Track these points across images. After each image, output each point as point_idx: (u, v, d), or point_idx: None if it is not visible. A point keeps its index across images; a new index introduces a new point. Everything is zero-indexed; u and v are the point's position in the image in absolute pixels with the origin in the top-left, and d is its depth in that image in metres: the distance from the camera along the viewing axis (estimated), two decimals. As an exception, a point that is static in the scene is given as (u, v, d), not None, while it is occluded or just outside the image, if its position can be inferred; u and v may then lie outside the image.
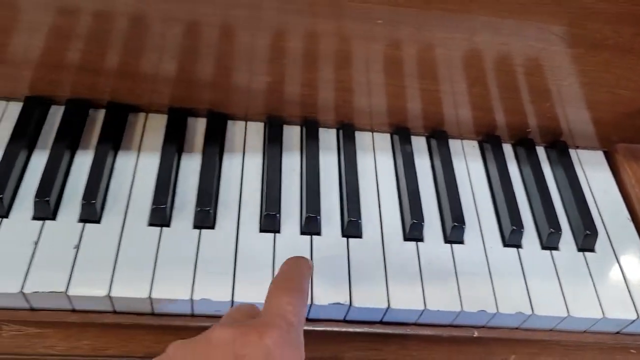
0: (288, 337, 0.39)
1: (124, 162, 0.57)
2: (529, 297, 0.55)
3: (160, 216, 0.53)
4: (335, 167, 0.61)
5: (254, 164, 0.60)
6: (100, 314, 0.51)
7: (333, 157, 0.62)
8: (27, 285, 0.48)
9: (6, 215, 0.52)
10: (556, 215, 0.60)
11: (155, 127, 0.61)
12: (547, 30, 0.54)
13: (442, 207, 0.59)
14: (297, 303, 0.42)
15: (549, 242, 0.59)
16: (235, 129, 0.63)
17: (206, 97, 0.62)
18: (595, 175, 0.66)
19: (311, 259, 0.54)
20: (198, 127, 0.62)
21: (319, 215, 0.55)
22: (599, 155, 0.68)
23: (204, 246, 0.53)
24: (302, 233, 0.55)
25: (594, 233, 0.59)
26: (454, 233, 0.57)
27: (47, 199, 0.52)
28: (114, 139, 0.58)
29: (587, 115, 0.64)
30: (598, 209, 0.63)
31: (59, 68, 0.58)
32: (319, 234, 0.56)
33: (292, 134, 0.63)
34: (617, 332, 0.57)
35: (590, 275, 0.57)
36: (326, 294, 0.52)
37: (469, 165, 0.64)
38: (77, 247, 0.51)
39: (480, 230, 0.59)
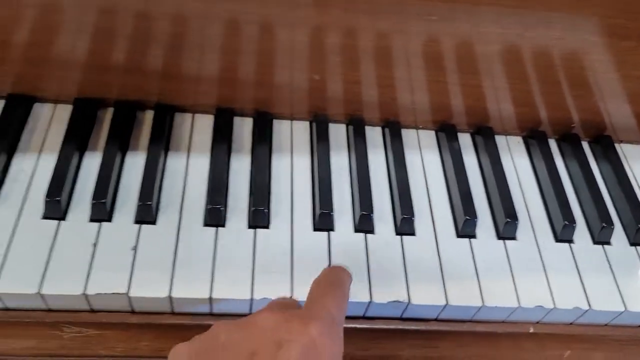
0: (330, 330, 0.40)
1: (174, 163, 0.57)
2: (585, 292, 0.54)
3: (216, 216, 0.53)
4: (383, 165, 0.61)
5: (303, 163, 0.60)
6: (159, 315, 0.51)
7: (380, 155, 0.62)
8: (90, 287, 0.48)
9: (64, 218, 0.52)
10: (607, 210, 0.60)
11: (202, 127, 0.61)
12: (600, 24, 0.54)
13: (493, 204, 0.59)
14: (339, 301, 0.43)
15: (601, 237, 0.58)
16: (281, 128, 0.63)
17: (251, 97, 0.62)
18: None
19: (366, 256, 0.54)
20: (245, 127, 0.62)
21: (372, 213, 0.55)
22: (643, 149, 0.69)
23: (260, 245, 0.53)
24: (356, 231, 0.55)
25: (646, 227, 0.59)
26: (506, 229, 0.57)
27: (104, 200, 0.51)
28: (163, 141, 0.58)
29: (632, 109, 0.64)
30: (646, 202, 0.63)
31: (106, 70, 0.58)
32: (372, 232, 0.56)
33: (338, 133, 0.63)
34: (673, 327, 0.57)
35: (645, 269, 0.57)
36: (384, 292, 0.51)
37: (515, 161, 0.64)
38: (135, 248, 0.51)
39: (532, 226, 0.59)
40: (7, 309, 0.49)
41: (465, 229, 0.56)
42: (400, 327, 0.53)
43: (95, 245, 0.50)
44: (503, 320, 0.55)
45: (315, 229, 0.55)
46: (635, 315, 0.55)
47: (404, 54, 0.57)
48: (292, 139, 0.62)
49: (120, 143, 0.57)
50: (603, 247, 0.58)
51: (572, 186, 0.64)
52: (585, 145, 0.67)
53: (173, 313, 0.51)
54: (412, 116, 0.64)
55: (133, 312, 0.50)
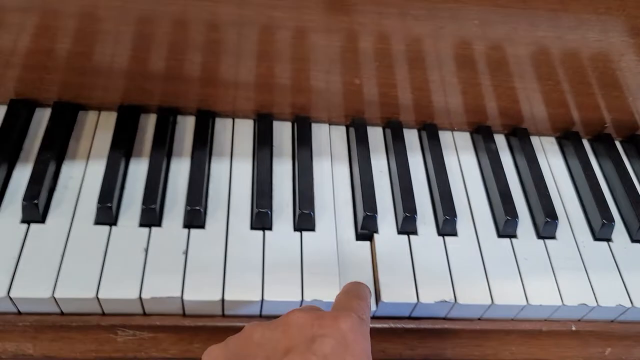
0: (360, 327, 0.41)
1: (218, 168, 0.58)
2: (626, 290, 0.55)
3: (263, 220, 0.54)
4: (421, 167, 0.62)
5: (342, 166, 0.61)
6: (210, 318, 0.52)
7: (418, 157, 0.63)
8: (144, 291, 0.49)
9: (115, 223, 0.53)
10: (644, 208, 0.61)
11: (243, 132, 0.62)
12: (637, 25, 0.55)
13: (532, 204, 0.60)
14: (365, 307, 0.45)
15: (639, 235, 0.59)
16: (320, 132, 0.63)
17: (289, 101, 0.63)
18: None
19: (410, 258, 0.55)
20: (284, 131, 0.63)
21: (416, 214, 0.56)
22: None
23: (307, 248, 0.54)
24: (400, 233, 0.56)
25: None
26: (546, 228, 0.58)
27: (154, 206, 0.52)
28: (207, 146, 0.59)
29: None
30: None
31: (147, 77, 0.59)
32: (415, 233, 0.57)
33: (374, 135, 0.64)
34: None
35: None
36: (430, 291, 0.52)
37: (550, 161, 0.65)
38: (186, 252, 0.52)
39: (570, 226, 0.60)
40: (62, 314, 0.50)
41: (507, 229, 0.57)
42: (445, 326, 0.54)
43: (146, 250, 0.51)
44: (545, 319, 0.56)
45: (359, 232, 0.56)
46: (676, 312, 0.56)
47: (444, 57, 0.58)
48: (330, 143, 0.63)
49: (165, 149, 0.58)
50: (641, 245, 0.60)
51: (607, 185, 0.64)
52: (617, 144, 0.68)
53: (224, 315, 0.52)
54: (447, 118, 0.65)
55: (184, 315, 0.52)
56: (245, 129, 0.62)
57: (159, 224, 0.53)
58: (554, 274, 0.55)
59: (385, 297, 0.51)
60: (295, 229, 0.55)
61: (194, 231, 0.53)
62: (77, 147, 0.57)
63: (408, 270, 0.54)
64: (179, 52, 0.57)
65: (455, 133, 0.66)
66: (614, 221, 0.59)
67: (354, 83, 0.60)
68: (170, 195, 0.56)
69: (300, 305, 0.51)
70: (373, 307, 0.53)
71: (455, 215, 0.57)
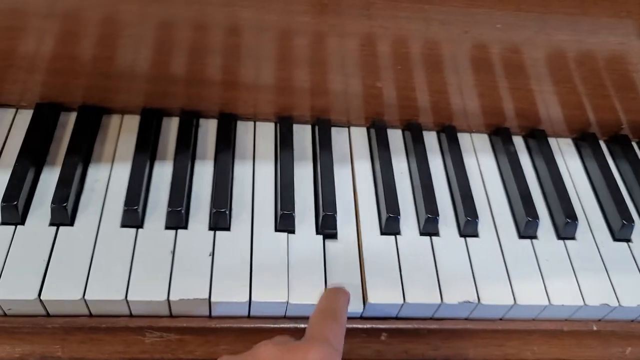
0: (332, 358, 0.41)
1: (241, 170, 0.59)
2: (647, 290, 0.56)
3: (288, 223, 0.55)
4: (441, 169, 0.63)
5: (364, 168, 0.61)
6: (236, 319, 0.52)
7: (437, 159, 0.64)
8: (172, 293, 0.49)
9: (141, 226, 0.53)
10: (663, 209, 0.61)
11: (265, 135, 0.62)
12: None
13: (551, 205, 0.61)
14: (337, 330, 0.45)
15: (658, 235, 0.60)
16: (339, 134, 0.64)
17: (310, 104, 0.64)
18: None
19: (433, 259, 0.55)
20: (305, 134, 0.64)
21: (438, 216, 0.57)
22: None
23: (329, 252, 0.54)
24: (422, 234, 0.57)
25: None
26: (567, 229, 0.58)
27: (180, 208, 0.53)
28: (230, 149, 0.59)
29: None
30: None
31: (169, 80, 0.60)
32: (437, 234, 0.57)
33: (394, 138, 0.64)
34: None
35: None
36: (454, 293, 0.53)
37: (568, 162, 0.66)
38: (212, 254, 0.52)
39: (589, 226, 0.60)
40: (91, 315, 0.51)
41: (528, 230, 0.58)
42: (468, 326, 0.55)
43: (173, 252, 0.52)
44: (567, 319, 0.56)
45: (383, 233, 0.56)
46: (695, 311, 0.56)
47: (465, 61, 0.58)
48: (351, 145, 0.64)
49: (189, 151, 0.58)
50: (661, 245, 0.60)
51: (625, 186, 0.65)
52: (634, 145, 0.69)
53: (249, 317, 0.53)
54: (465, 120, 0.66)
55: (211, 316, 0.52)
56: (267, 131, 0.63)
57: (185, 227, 0.54)
58: (574, 274, 0.56)
59: (409, 298, 0.52)
60: (318, 233, 0.55)
61: (219, 233, 0.54)
62: (102, 150, 0.58)
63: (431, 272, 0.54)
64: (200, 56, 0.58)
65: (474, 135, 0.66)
66: (633, 221, 0.59)
67: (376, 86, 0.61)
68: (195, 197, 0.56)
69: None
70: (394, 311, 0.53)
71: (476, 217, 0.57)
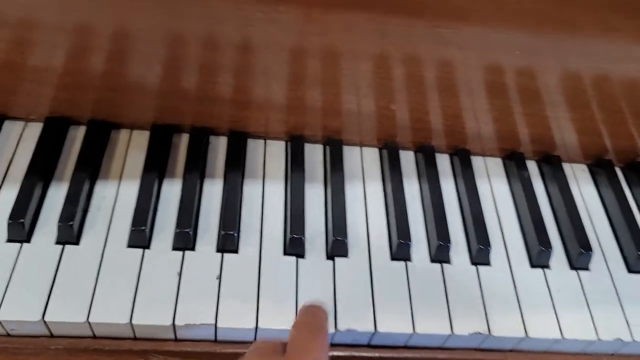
0: None
1: (251, 190, 0.58)
2: (662, 325, 0.55)
3: (297, 247, 0.54)
4: (453, 193, 0.62)
5: (375, 190, 0.60)
6: (243, 344, 0.51)
7: (450, 182, 0.63)
8: (178, 318, 0.48)
9: (148, 246, 0.52)
10: (680, 240, 0.60)
11: (275, 154, 0.62)
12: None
13: (564, 234, 0.60)
14: (320, 344, 0.42)
15: (674, 268, 0.59)
16: (351, 155, 0.63)
17: (321, 124, 0.63)
18: None
19: (444, 287, 0.54)
20: (316, 153, 0.63)
21: (450, 243, 0.56)
22: None
23: (339, 277, 0.53)
24: (433, 261, 0.56)
25: None
26: (580, 260, 0.57)
27: (188, 230, 0.52)
28: (240, 168, 0.58)
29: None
30: None
31: (179, 97, 0.59)
32: (448, 261, 0.56)
33: (406, 159, 0.63)
34: None
35: None
36: (464, 323, 0.52)
37: (582, 189, 0.64)
38: (219, 277, 0.52)
39: (604, 256, 0.59)
40: (94, 337, 0.50)
41: (540, 259, 0.57)
42: (477, 357, 0.54)
43: (180, 274, 0.51)
44: (578, 352, 0.55)
45: (393, 259, 0.55)
46: None
47: (480, 85, 0.58)
48: (362, 166, 0.62)
49: (198, 170, 0.57)
50: (676, 278, 0.59)
51: (640, 215, 0.64)
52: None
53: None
54: (479, 144, 0.65)
55: (216, 341, 0.51)
56: (277, 150, 0.62)
57: (192, 248, 0.53)
58: (588, 306, 0.55)
59: (419, 328, 0.51)
60: (328, 257, 0.54)
61: (227, 256, 0.53)
62: (109, 167, 0.57)
63: (442, 300, 0.53)
64: (212, 73, 0.57)
65: (487, 159, 0.65)
66: (649, 253, 0.58)
67: (389, 108, 0.60)
68: (204, 218, 0.55)
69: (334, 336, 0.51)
70: (403, 339, 0.52)
71: (489, 245, 0.56)
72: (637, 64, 0.55)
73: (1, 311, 0.46)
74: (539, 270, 0.57)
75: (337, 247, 0.54)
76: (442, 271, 0.55)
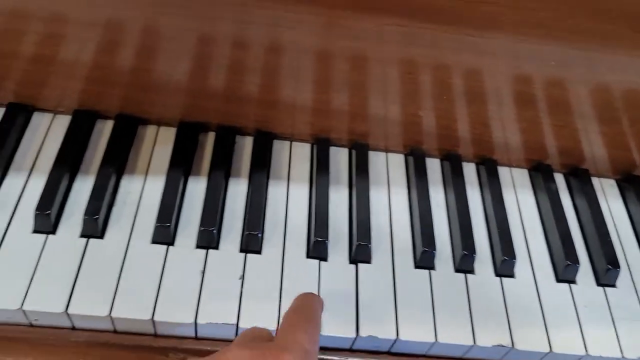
0: None
1: (275, 191, 0.58)
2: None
3: (320, 250, 0.53)
4: (478, 203, 0.61)
5: (400, 197, 0.60)
6: (262, 345, 0.51)
7: (475, 192, 0.62)
8: (200, 316, 0.48)
9: (172, 243, 0.52)
10: None
11: (301, 155, 0.61)
12: None
13: (592, 249, 0.59)
14: (312, 332, 0.42)
15: (702, 288, 0.58)
16: (377, 160, 0.62)
17: (347, 128, 0.62)
18: None
19: (467, 298, 0.53)
20: (341, 157, 0.62)
21: (475, 253, 0.55)
22: None
23: (362, 282, 0.53)
24: (457, 271, 0.55)
25: None
26: (608, 276, 0.56)
27: (213, 228, 0.52)
28: (265, 169, 0.58)
29: None
30: None
31: (206, 95, 0.59)
32: (472, 272, 0.55)
33: (432, 167, 0.63)
34: None
35: None
36: (487, 335, 0.51)
37: (610, 205, 0.63)
38: (242, 277, 0.51)
39: (630, 273, 0.58)
40: (115, 332, 0.50)
41: (566, 274, 0.56)
42: (499, 370, 0.53)
43: (203, 273, 0.51)
44: (603, 370, 0.54)
45: (417, 267, 0.55)
46: None
47: (512, 95, 0.57)
48: (388, 172, 0.62)
49: (223, 169, 0.57)
50: None
51: (671, 232, 0.63)
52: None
53: (275, 344, 0.51)
54: (506, 154, 0.64)
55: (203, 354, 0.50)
56: (303, 152, 0.62)
57: (216, 247, 0.53)
58: (613, 324, 0.54)
59: (441, 338, 0.50)
60: (351, 262, 0.54)
61: (250, 256, 0.53)
62: (136, 162, 0.57)
63: (465, 311, 0.52)
64: (239, 72, 0.57)
65: (513, 169, 0.64)
66: (680, 272, 0.57)
67: (417, 115, 0.59)
68: (228, 217, 0.55)
69: (353, 341, 0.50)
70: (424, 349, 0.51)
71: (514, 257, 0.55)
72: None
73: (26, 301, 0.46)
74: (565, 285, 0.56)
75: (360, 252, 0.54)
76: (466, 281, 0.55)
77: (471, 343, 0.51)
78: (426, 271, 0.54)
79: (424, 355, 0.53)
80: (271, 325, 0.49)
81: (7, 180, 0.54)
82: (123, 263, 0.50)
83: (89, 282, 0.49)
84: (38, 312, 0.47)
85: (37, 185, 0.53)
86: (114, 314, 0.47)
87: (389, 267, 0.54)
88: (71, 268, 0.49)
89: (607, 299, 0.56)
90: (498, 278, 0.55)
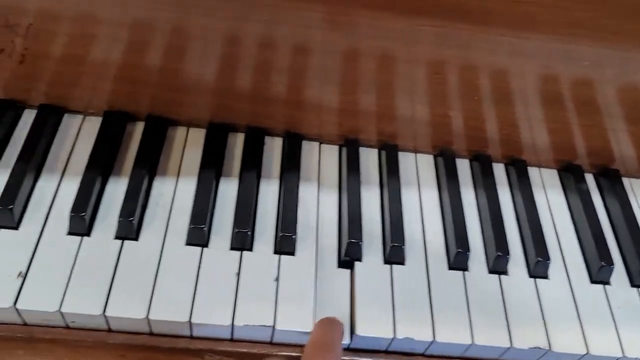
0: None
1: (306, 192, 0.57)
2: None
3: (355, 251, 0.53)
4: (509, 204, 0.61)
5: (431, 198, 0.60)
6: (298, 347, 0.50)
7: (506, 193, 0.61)
8: (237, 319, 0.48)
9: (206, 245, 0.52)
10: None
11: (330, 156, 0.61)
12: None
13: (625, 249, 0.58)
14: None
15: None
16: (406, 161, 0.62)
17: (376, 129, 0.62)
18: None
19: (502, 299, 0.53)
20: (370, 157, 0.62)
21: (509, 254, 0.55)
22: None
23: (397, 283, 0.52)
24: (491, 272, 0.55)
25: None
26: (642, 277, 0.56)
27: (247, 230, 0.52)
28: (297, 170, 0.58)
29: None
30: None
31: (234, 96, 0.59)
32: (506, 273, 0.55)
33: (462, 168, 0.62)
34: None
35: None
36: (523, 337, 0.51)
37: (642, 205, 0.64)
38: (277, 279, 0.51)
39: (663, 275, 0.58)
40: (152, 334, 0.50)
41: (601, 275, 0.55)
42: (535, 372, 0.53)
43: (238, 274, 0.51)
44: (638, 371, 0.54)
45: (451, 268, 0.55)
46: None
47: (543, 95, 0.57)
48: (417, 172, 0.62)
49: (255, 170, 0.57)
50: None
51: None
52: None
53: (310, 345, 0.51)
54: (535, 155, 0.63)
55: (272, 343, 0.51)
56: (332, 153, 0.61)
57: (250, 249, 0.53)
58: (649, 325, 0.54)
59: (478, 340, 0.50)
60: (385, 262, 0.54)
61: (284, 258, 0.52)
62: (167, 163, 0.57)
63: (500, 313, 0.52)
64: (267, 73, 0.57)
65: (542, 170, 0.64)
66: None
67: (446, 115, 0.59)
68: (260, 218, 0.55)
69: (390, 342, 0.50)
70: (459, 350, 0.51)
71: (548, 258, 0.55)
72: None
73: (64, 304, 0.46)
74: (599, 286, 0.56)
75: (394, 254, 0.53)
76: (500, 283, 0.54)
77: (508, 345, 0.50)
78: (460, 272, 0.54)
79: (459, 357, 0.53)
80: (306, 327, 0.49)
81: (40, 182, 0.54)
82: (159, 265, 0.50)
83: (125, 283, 0.48)
84: (76, 314, 0.47)
85: (70, 188, 0.53)
86: (151, 317, 0.47)
87: (423, 269, 0.54)
88: (107, 270, 0.49)
89: (641, 300, 0.56)
90: (532, 279, 0.55)
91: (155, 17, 0.53)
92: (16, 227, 0.50)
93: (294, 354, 0.51)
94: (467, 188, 0.61)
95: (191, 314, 0.48)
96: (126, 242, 0.51)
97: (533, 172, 0.64)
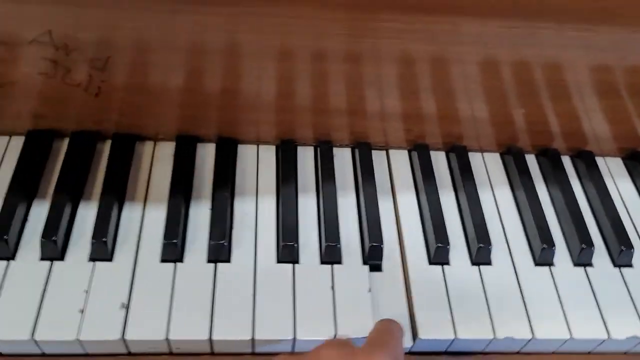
0: None
1: (384, 201, 0.57)
2: None
3: (443, 255, 0.53)
4: (581, 195, 0.61)
5: (505, 195, 0.60)
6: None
7: (576, 185, 0.62)
8: (299, 332, 0.47)
9: (297, 261, 0.52)
10: None
11: (401, 162, 0.61)
12: None
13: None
14: (398, 343, 0.44)
15: None
16: (474, 161, 0.62)
17: (439, 131, 0.62)
18: None
19: (591, 290, 0.53)
20: (439, 160, 0.62)
21: (593, 246, 0.55)
22: None
23: (487, 284, 0.52)
24: (576, 265, 0.55)
25: None
26: None
27: (293, 243, 0.52)
28: (372, 178, 0.58)
29: None
30: None
31: (295, 111, 0.59)
32: (591, 265, 0.55)
33: (530, 164, 0.62)
34: None
35: None
36: (620, 327, 0.51)
37: None
38: (333, 288, 0.50)
39: None
40: (254, 354, 0.49)
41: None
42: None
43: (294, 288, 0.50)
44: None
45: (537, 264, 0.55)
46: None
47: (613, 86, 0.57)
48: (487, 171, 0.62)
49: (334, 183, 0.57)
50: None
51: None
52: None
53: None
54: (598, 144, 0.64)
55: (292, 353, 0.50)
56: (402, 159, 0.62)
57: (298, 261, 0.52)
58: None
59: (575, 333, 0.50)
60: (473, 263, 0.54)
61: (336, 267, 0.52)
62: (244, 183, 0.57)
63: (592, 304, 0.52)
64: (322, 85, 0.56)
65: (607, 159, 0.65)
66: None
67: (517, 113, 0.59)
68: (303, 230, 0.54)
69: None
70: (556, 346, 0.51)
71: (631, 247, 0.55)
72: None
73: (171, 331, 0.46)
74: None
75: (481, 255, 0.54)
76: (587, 275, 0.54)
77: (605, 337, 0.51)
78: (546, 268, 0.55)
79: (553, 353, 0.53)
80: (327, 335, 0.48)
81: (125, 212, 0.54)
82: (254, 284, 0.50)
83: (224, 306, 0.48)
84: (182, 340, 0.46)
85: (155, 215, 0.53)
86: (256, 337, 0.47)
87: (510, 267, 0.54)
88: (205, 293, 0.49)
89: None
90: (617, 269, 0.56)
91: (207, 40, 0.52)
92: (110, 259, 0.51)
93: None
94: (538, 183, 0.61)
95: (295, 331, 0.48)
96: (219, 264, 0.51)
97: (599, 161, 0.64)
